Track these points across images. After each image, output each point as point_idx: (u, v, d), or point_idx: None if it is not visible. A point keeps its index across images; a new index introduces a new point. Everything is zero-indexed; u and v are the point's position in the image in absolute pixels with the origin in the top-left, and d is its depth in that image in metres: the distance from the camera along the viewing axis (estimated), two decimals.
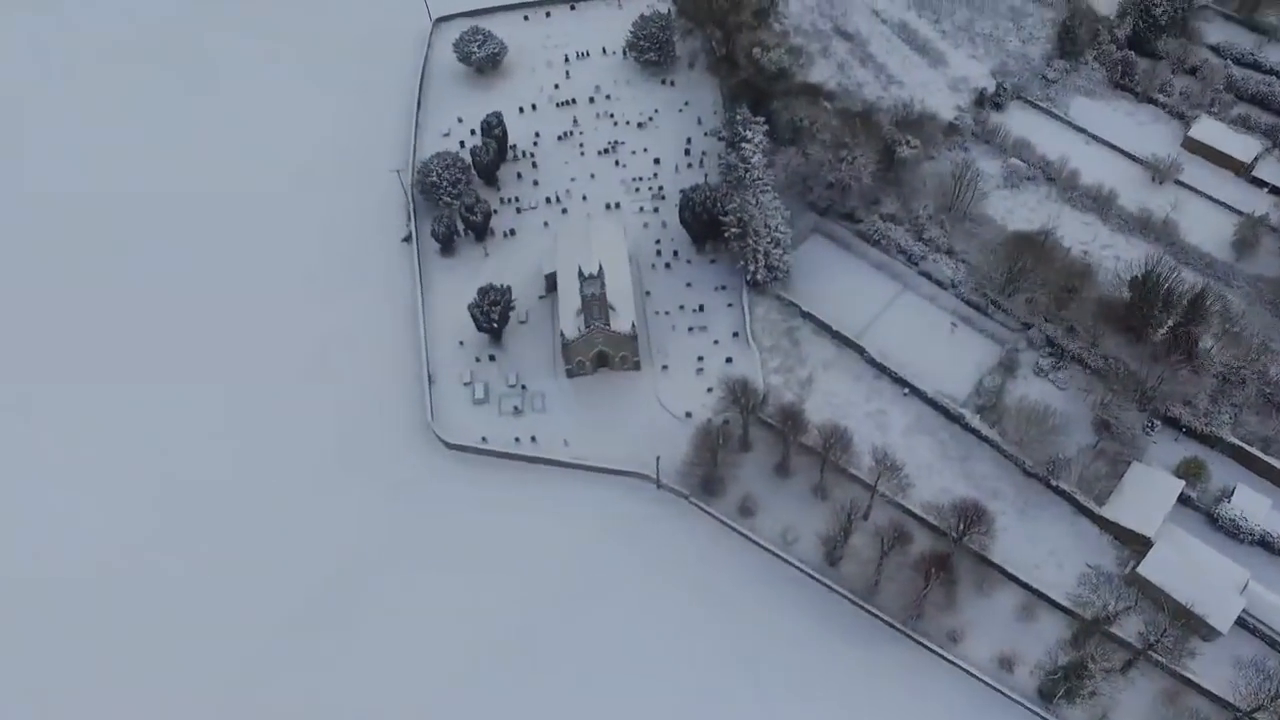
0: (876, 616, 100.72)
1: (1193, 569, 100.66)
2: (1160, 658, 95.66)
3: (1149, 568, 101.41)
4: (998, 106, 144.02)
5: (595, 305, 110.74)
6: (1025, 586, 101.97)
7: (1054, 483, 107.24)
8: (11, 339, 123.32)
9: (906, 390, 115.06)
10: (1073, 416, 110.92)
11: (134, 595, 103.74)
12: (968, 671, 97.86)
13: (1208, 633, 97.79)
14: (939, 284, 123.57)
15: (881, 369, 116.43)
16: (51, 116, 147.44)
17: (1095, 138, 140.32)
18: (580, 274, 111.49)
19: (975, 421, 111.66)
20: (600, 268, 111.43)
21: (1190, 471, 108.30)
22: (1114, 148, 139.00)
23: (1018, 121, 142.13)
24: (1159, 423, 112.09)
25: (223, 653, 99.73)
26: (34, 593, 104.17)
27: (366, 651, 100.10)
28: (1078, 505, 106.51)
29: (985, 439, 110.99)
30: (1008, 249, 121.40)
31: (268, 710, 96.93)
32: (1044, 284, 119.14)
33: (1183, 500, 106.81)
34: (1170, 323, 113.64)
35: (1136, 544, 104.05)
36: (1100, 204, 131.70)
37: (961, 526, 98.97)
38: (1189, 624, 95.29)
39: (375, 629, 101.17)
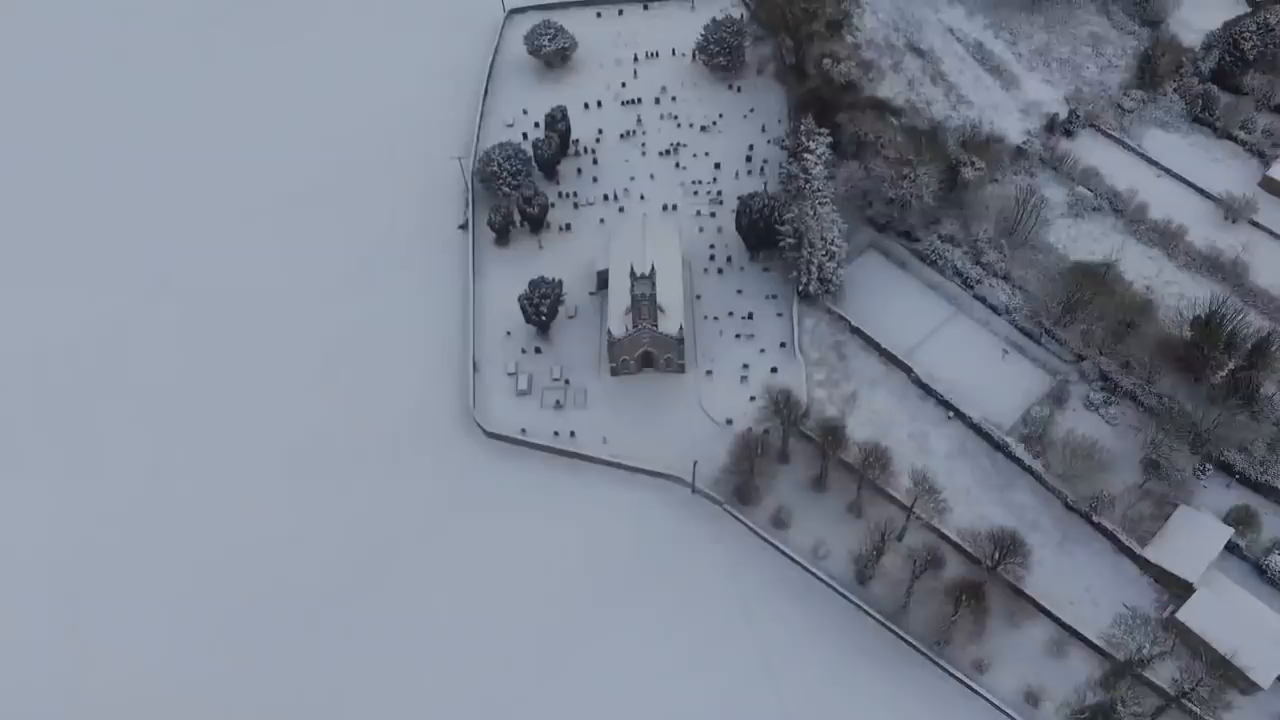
0: (903, 639, 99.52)
1: (1236, 619, 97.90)
2: (1194, 707, 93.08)
3: (1189, 613, 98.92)
4: (1069, 133, 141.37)
5: (644, 305, 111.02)
6: (1058, 621, 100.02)
7: (1096, 519, 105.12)
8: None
9: (951, 414, 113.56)
10: (1121, 454, 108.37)
11: (175, 559, 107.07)
12: (991, 703, 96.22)
13: (1247, 686, 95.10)
14: (993, 309, 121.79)
15: (928, 390, 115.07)
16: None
17: (1167, 171, 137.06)
18: (632, 273, 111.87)
19: (1019, 451, 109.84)
20: (652, 268, 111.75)
21: (1241, 520, 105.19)
22: (1186, 183, 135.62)
23: (1088, 150, 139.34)
24: (1211, 467, 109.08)
25: (244, 624, 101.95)
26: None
27: (387, 630, 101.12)
28: (1119, 544, 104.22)
29: (1028, 469, 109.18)
30: (1067, 279, 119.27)
31: (286, 673, 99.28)
32: (1101, 317, 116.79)
33: (1230, 548, 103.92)
34: (1231, 365, 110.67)
35: (1177, 588, 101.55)
36: (1167, 239, 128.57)
37: (996, 555, 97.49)
38: (1227, 675, 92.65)
39: (398, 608, 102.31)
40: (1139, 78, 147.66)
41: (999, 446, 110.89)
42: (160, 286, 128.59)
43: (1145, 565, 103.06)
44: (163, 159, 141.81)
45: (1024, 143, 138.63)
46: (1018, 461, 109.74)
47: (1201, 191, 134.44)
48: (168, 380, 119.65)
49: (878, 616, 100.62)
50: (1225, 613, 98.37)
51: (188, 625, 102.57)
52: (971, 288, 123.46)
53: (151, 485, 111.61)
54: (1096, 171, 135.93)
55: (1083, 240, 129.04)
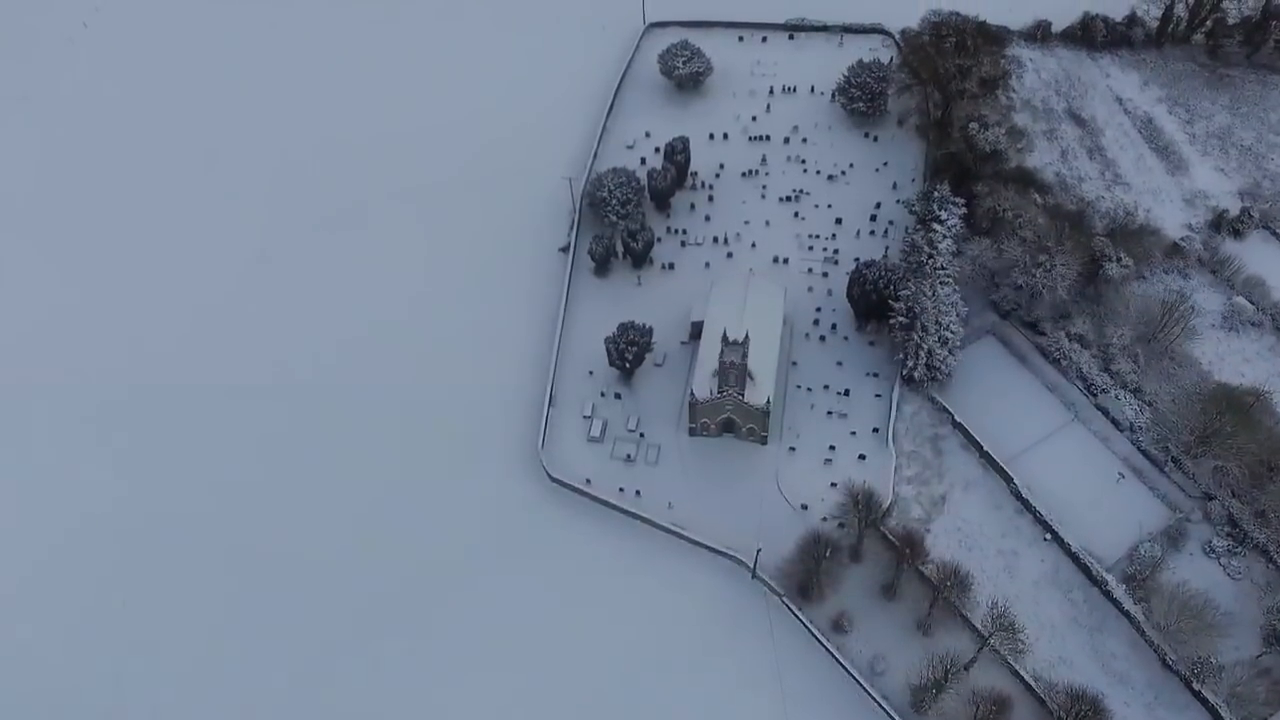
0: None
1: None
2: None
3: None
4: (1237, 233, 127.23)
5: (733, 373, 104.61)
6: None
7: (1197, 687, 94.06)
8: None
9: (1048, 536, 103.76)
10: (1240, 617, 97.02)
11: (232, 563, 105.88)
12: None
13: None
14: (1115, 424, 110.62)
15: (1026, 505, 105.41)
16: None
17: None
18: (725, 338, 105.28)
19: (1119, 591, 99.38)
20: (746, 335, 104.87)
21: None
22: None
23: (1257, 255, 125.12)
24: None
25: (291, 642, 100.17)
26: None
27: (407, 667, 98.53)
28: None
29: (1126, 614, 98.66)
30: (1207, 403, 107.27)
31: (303, 693, 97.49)
32: (1241, 453, 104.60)
33: None
34: None
35: None
36: None
37: (1072, 715, 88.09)
38: None
39: (419, 647, 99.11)
40: None
41: (1096, 582, 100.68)
42: (259, 266, 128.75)
43: None
44: (285, 143, 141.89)
45: (1182, 238, 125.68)
46: (1115, 603, 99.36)
47: None
48: (250, 374, 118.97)
49: None
50: None
51: (220, 634, 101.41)
52: (1094, 396, 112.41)
53: (215, 488, 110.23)
54: (1262, 281, 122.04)
55: (1233, 360, 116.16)
